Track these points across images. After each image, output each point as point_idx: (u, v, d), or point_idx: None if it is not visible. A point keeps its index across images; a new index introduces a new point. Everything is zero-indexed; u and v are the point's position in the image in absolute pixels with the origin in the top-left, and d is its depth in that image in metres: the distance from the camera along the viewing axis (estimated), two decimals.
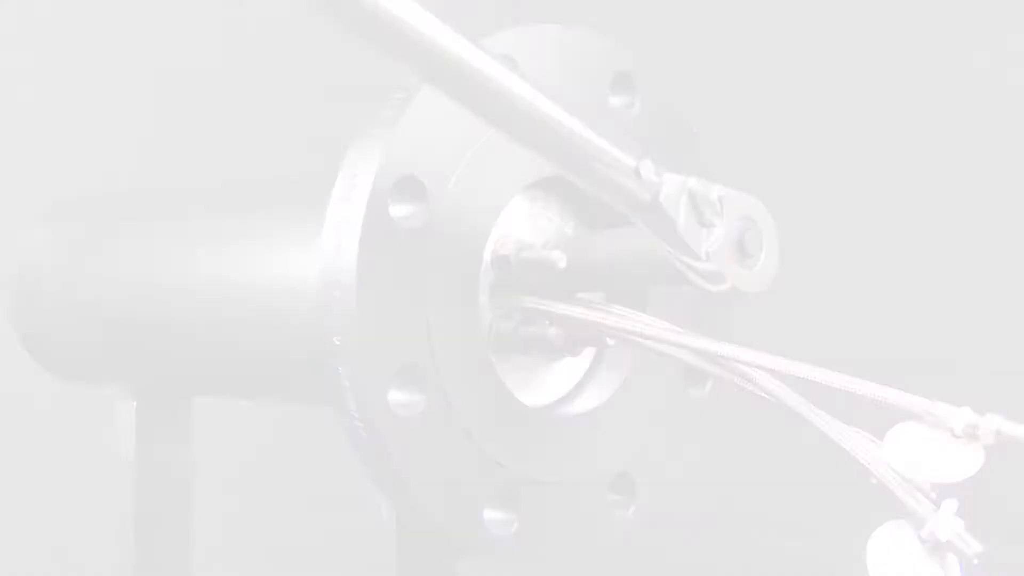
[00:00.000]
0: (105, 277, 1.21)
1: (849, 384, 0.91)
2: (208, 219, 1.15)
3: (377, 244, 0.92)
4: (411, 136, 0.94)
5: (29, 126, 1.91)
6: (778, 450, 1.68)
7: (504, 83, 0.84)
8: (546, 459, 1.00)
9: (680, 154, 1.07)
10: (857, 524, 1.72)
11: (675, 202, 0.88)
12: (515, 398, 0.99)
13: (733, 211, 0.90)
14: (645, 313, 0.98)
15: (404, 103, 0.94)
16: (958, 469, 0.87)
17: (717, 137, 1.10)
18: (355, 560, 1.79)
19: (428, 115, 0.94)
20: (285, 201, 1.15)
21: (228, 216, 1.14)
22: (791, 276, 0.99)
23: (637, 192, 0.87)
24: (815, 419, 0.92)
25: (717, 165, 1.10)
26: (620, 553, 1.09)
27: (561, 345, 0.99)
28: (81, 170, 1.86)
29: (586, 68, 1.02)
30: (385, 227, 0.92)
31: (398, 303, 0.93)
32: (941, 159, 1.71)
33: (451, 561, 1.10)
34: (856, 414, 0.93)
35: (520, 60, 0.98)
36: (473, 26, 1.78)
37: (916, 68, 1.71)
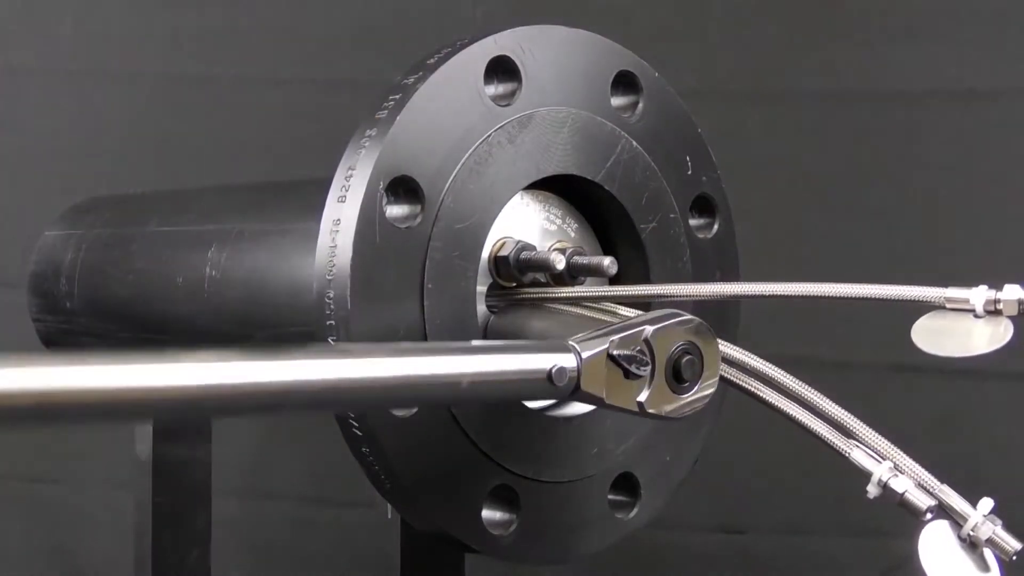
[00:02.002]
0: (121, 278, 1.21)
1: (858, 290, 0.90)
2: (213, 220, 1.15)
3: (372, 245, 0.92)
4: (407, 137, 0.94)
5: (45, 129, 1.92)
6: (778, 450, 1.68)
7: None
8: (546, 459, 1.00)
9: (684, 154, 1.07)
10: (857, 524, 1.72)
11: (598, 377, 0.85)
12: None
13: (665, 345, 0.87)
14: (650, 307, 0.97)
15: (400, 103, 0.94)
16: (989, 342, 0.86)
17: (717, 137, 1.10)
18: (358, 560, 1.79)
19: (425, 116, 0.94)
20: (288, 201, 1.15)
21: (231, 217, 1.14)
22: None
23: (556, 391, 0.85)
24: (820, 430, 0.92)
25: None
26: (620, 553, 1.09)
27: None
28: (97, 172, 1.86)
29: (589, 68, 1.02)
30: (380, 228, 0.92)
31: (394, 304, 0.93)
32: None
33: (457, 560, 1.10)
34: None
35: (523, 60, 0.99)
36: (474, 26, 1.79)
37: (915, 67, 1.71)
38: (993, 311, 0.87)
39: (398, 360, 0.81)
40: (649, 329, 0.87)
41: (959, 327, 0.88)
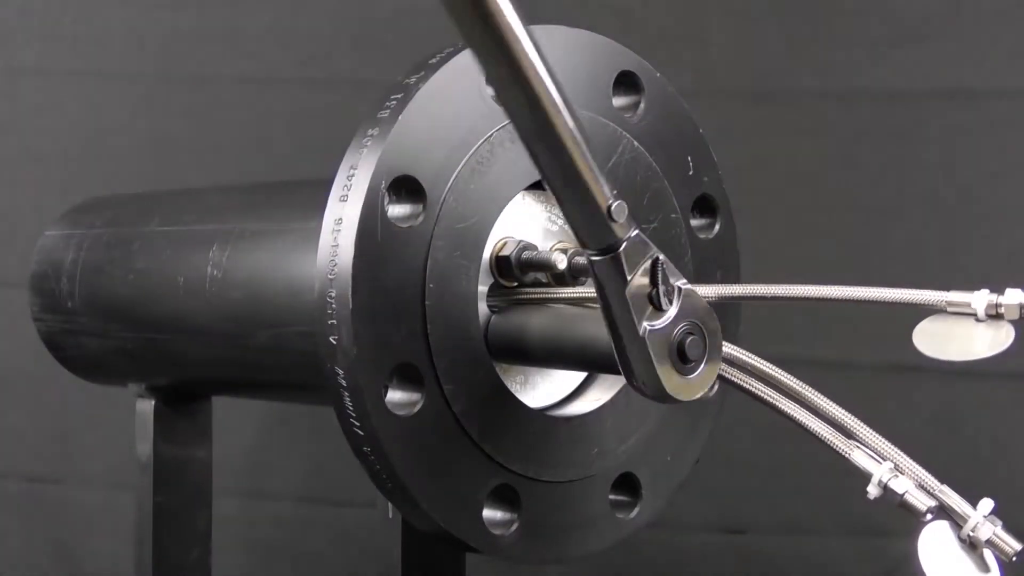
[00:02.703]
0: (121, 278, 1.22)
1: (859, 293, 0.90)
2: (214, 220, 1.15)
3: (374, 244, 0.92)
4: (409, 136, 0.94)
5: (45, 129, 1.92)
6: (778, 450, 1.68)
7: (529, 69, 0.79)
8: (546, 459, 1.00)
9: (685, 154, 1.07)
10: (857, 524, 1.72)
11: (635, 261, 0.84)
12: (515, 398, 0.99)
13: (686, 310, 0.86)
14: None
15: (402, 103, 0.94)
16: (990, 347, 0.86)
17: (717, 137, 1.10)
18: (358, 560, 1.79)
19: (426, 115, 0.94)
20: (289, 201, 1.15)
21: (232, 217, 1.14)
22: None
23: (603, 232, 0.83)
24: (820, 430, 0.92)
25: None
26: (620, 553, 1.09)
27: None
28: (97, 172, 1.86)
29: (590, 68, 1.02)
30: (382, 227, 0.92)
31: (395, 303, 0.93)
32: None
33: (457, 560, 1.10)
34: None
35: None
36: None
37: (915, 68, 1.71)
38: (994, 315, 0.87)
39: None
40: (686, 284, 0.86)
41: (960, 331, 0.88)
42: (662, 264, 0.85)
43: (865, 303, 0.91)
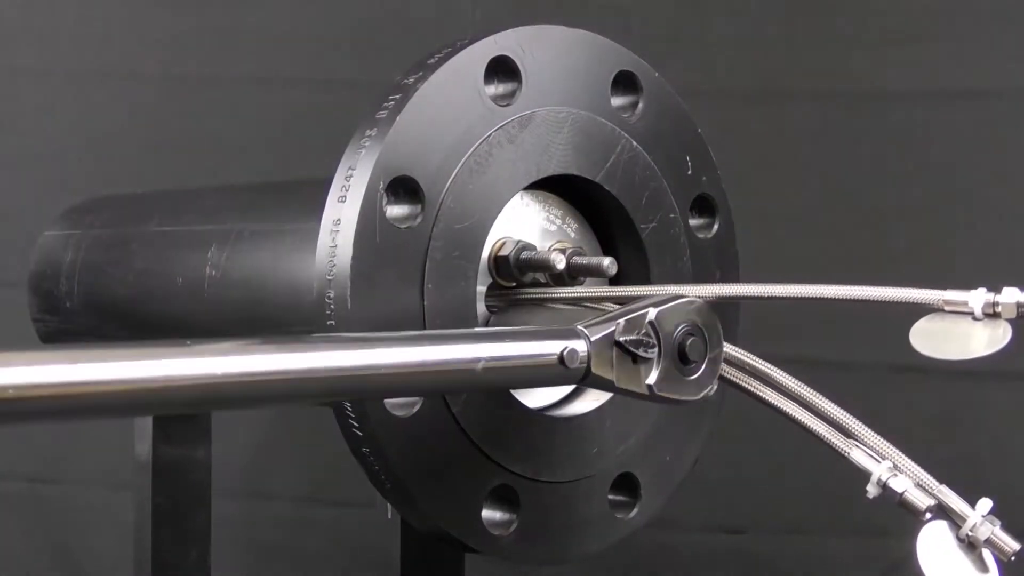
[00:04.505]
0: (120, 278, 1.22)
1: (857, 292, 0.90)
2: (213, 221, 1.15)
3: (372, 245, 0.92)
4: (407, 137, 0.93)
5: (45, 129, 1.92)
6: (778, 450, 1.68)
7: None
8: (545, 459, 1.00)
9: (683, 154, 1.07)
10: (857, 524, 1.72)
11: (607, 361, 0.87)
12: (514, 398, 0.99)
13: (670, 327, 0.88)
14: None
15: (400, 103, 0.94)
16: (987, 345, 0.86)
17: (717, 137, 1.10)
18: (358, 560, 1.79)
19: (425, 116, 0.94)
20: (288, 201, 1.15)
21: (231, 217, 1.14)
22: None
23: (568, 375, 0.86)
24: (819, 430, 0.92)
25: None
26: (620, 553, 1.09)
27: None
28: (97, 172, 1.86)
29: (589, 68, 1.02)
30: (380, 228, 0.92)
31: (394, 304, 0.93)
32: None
33: (457, 560, 1.10)
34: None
35: (523, 60, 0.99)
36: (474, 26, 1.78)
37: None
38: (992, 314, 0.87)
39: (409, 348, 0.82)
40: (653, 312, 0.88)
41: (958, 330, 0.88)
42: (622, 336, 0.87)
43: (862, 302, 0.91)
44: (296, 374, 0.76)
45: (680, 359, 0.89)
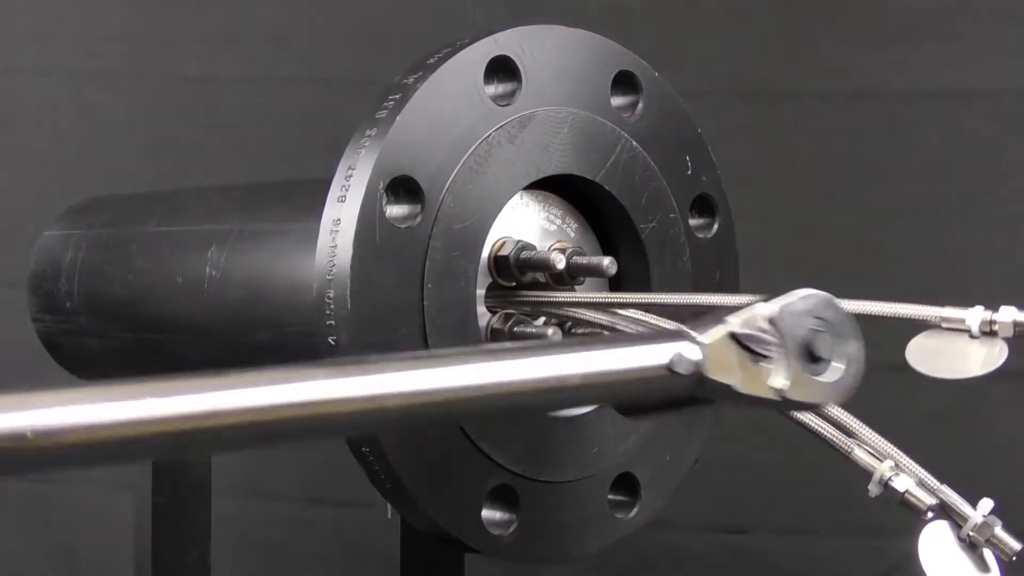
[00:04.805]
0: (120, 278, 1.21)
1: (854, 307, 0.89)
2: (213, 220, 1.15)
3: (372, 245, 0.92)
4: (407, 137, 0.93)
5: (45, 129, 1.92)
6: (778, 450, 1.68)
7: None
8: (545, 459, 1.00)
9: (683, 154, 1.07)
10: (857, 524, 1.72)
11: (725, 364, 0.74)
12: None
13: (791, 325, 0.76)
14: (651, 313, 0.97)
15: (400, 103, 0.94)
16: (983, 364, 0.85)
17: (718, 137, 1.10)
18: (358, 560, 1.79)
19: (425, 115, 0.94)
20: (288, 201, 1.15)
21: (231, 217, 1.14)
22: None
23: (678, 384, 0.73)
24: (820, 430, 0.92)
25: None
26: (620, 553, 1.09)
27: None
28: (97, 172, 1.86)
29: (589, 68, 1.02)
30: (380, 228, 0.92)
31: (394, 304, 0.93)
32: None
33: (457, 560, 1.10)
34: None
35: (523, 60, 0.99)
36: (474, 26, 1.78)
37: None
38: (988, 332, 0.86)
39: (495, 364, 0.71)
40: (772, 306, 0.76)
41: (954, 347, 0.87)
42: (745, 333, 0.75)
43: (859, 316, 0.90)
44: (360, 402, 0.67)
45: (809, 358, 0.76)
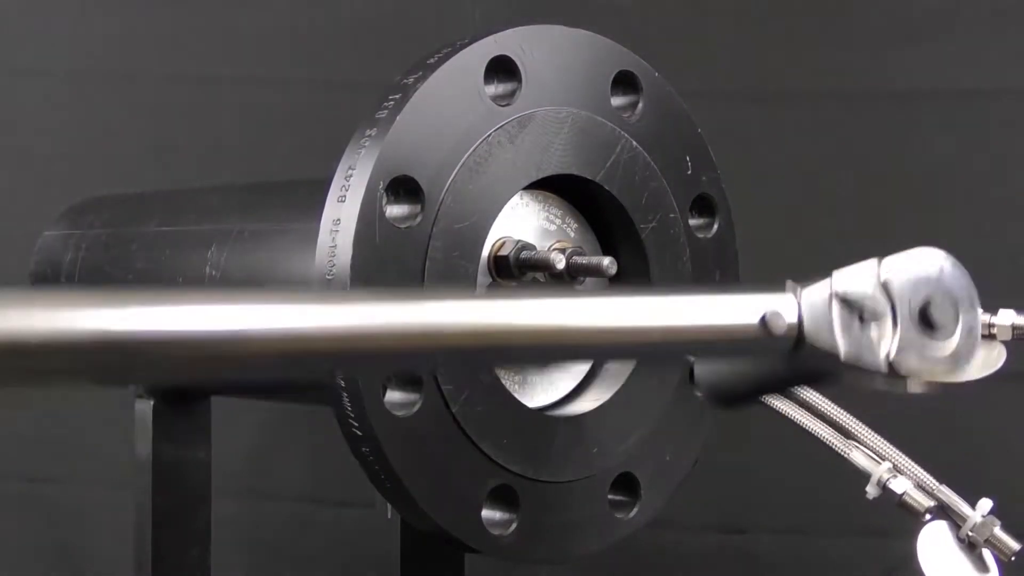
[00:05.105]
0: (120, 278, 1.21)
1: None
2: (213, 220, 1.15)
3: (372, 245, 0.92)
4: (407, 136, 0.93)
5: (45, 129, 1.92)
6: (778, 450, 1.68)
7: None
8: (545, 459, 1.00)
9: (683, 154, 1.07)
10: (857, 524, 1.72)
11: (826, 327, 0.65)
12: (514, 398, 0.99)
13: (904, 288, 0.67)
14: None
15: (400, 103, 0.94)
16: (981, 368, 0.84)
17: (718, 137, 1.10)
18: (358, 560, 1.79)
19: (425, 115, 0.94)
20: (288, 201, 1.15)
21: (231, 217, 1.14)
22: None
23: (771, 343, 0.65)
24: (819, 431, 0.92)
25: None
26: (620, 553, 1.09)
27: None
28: (97, 172, 1.86)
29: (588, 68, 1.02)
30: (380, 227, 0.92)
31: None
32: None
33: (457, 560, 1.10)
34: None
35: (523, 59, 0.99)
36: (474, 26, 1.78)
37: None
38: (987, 335, 0.86)
39: (578, 303, 0.63)
40: (884, 265, 0.68)
41: None
42: (850, 294, 0.67)
43: None
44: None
45: (924, 324, 0.67)
